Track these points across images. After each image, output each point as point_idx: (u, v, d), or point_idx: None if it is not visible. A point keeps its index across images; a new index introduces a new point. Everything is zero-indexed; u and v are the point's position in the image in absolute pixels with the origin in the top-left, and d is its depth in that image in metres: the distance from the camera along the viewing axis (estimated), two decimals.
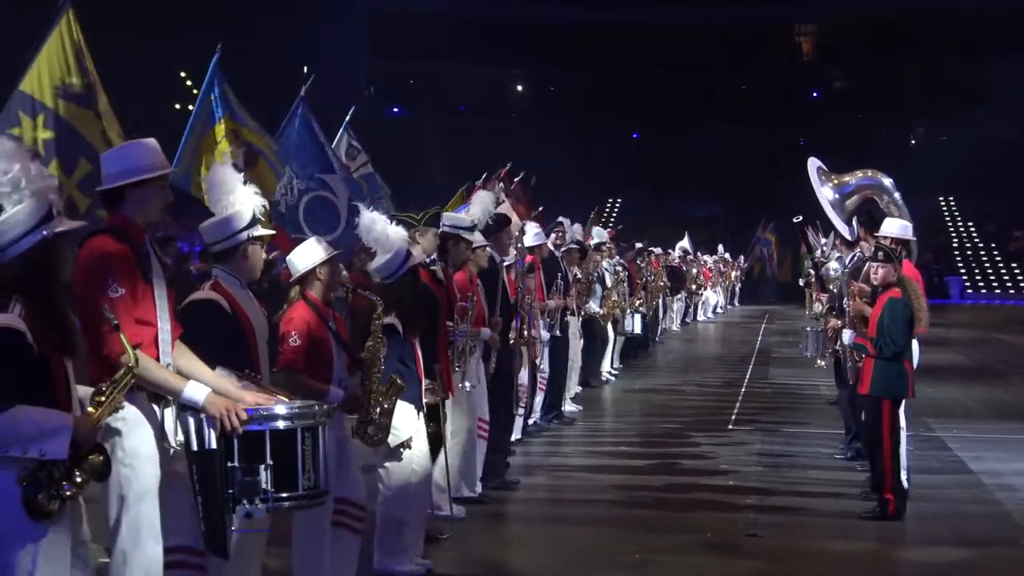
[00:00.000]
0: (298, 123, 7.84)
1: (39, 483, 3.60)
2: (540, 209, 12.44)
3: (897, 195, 9.21)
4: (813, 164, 9.36)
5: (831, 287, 9.51)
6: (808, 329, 10.48)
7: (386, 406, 5.60)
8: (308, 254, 5.55)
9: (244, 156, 7.37)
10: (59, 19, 5.79)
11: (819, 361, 9.80)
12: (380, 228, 6.30)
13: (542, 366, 10.80)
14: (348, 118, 8.58)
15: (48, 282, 3.75)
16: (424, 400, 6.35)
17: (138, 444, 4.24)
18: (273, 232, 5.65)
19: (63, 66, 5.75)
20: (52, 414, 3.65)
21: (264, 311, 5.12)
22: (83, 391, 3.92)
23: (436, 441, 6.55)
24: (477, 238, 7.93)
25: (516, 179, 12.09)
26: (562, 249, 12.09)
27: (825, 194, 9.15)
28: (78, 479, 3.67)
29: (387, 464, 6.16)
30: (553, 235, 11.92)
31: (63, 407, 3.73)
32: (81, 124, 5.91)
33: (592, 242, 13.97)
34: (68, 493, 3.64)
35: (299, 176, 7.61)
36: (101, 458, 3.76)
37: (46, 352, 3.72)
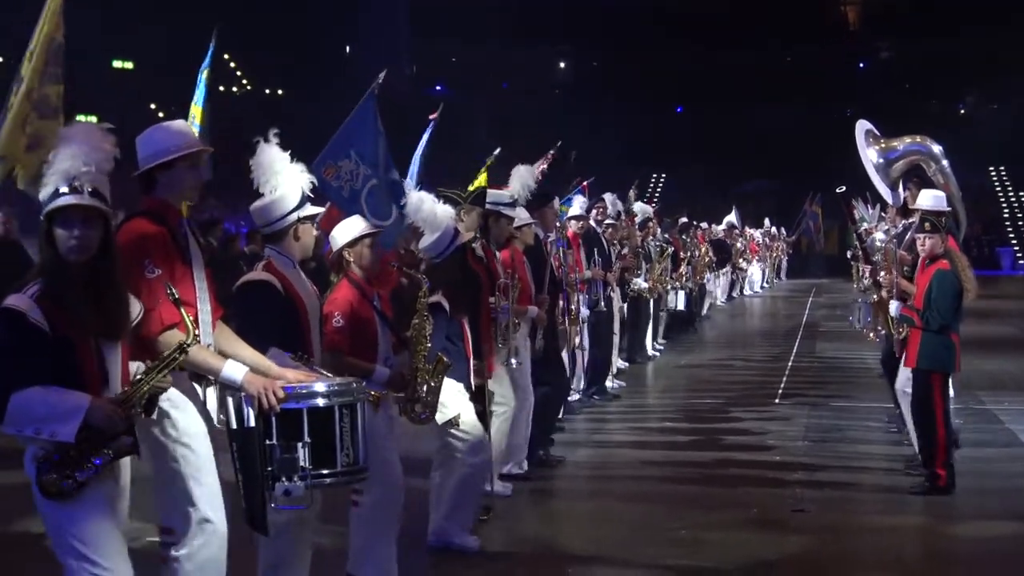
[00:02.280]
0: (366, 114, 7.96)
1: (50, 463, 3.67)
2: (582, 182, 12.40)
3: (945, 163, 9.04)
4: (862, 127, 9.23)
5: (875, 258, 9.39)
6: (859, 301, 10.39)
7: (432, 384, 5.61)
8: (349, 229, 5.57)
9: None
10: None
11: (870, 334, 9.68)
12: (428, 207, 6.31)
13: (583, 343, 10.76)
14: (433, 121, 8.70)
15: (57, 261, 3.77)
16: (471, 380, 6.38)
17: (190, 422, 4.29)
18: (323, 210, 5.65)
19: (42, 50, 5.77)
20: (68, 396, 3.67)
21: (316, 290, 5.14)
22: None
23: (481, 422, 6.55)
24: (521, 214, 7.91)
25: (553, 155, 12.07)
26: (604, 223, 12.07)
27: (870, 156, 9.03)
28: (96, 461, 3.70)
29: (463, 435, 6.18)
30: (594, 211, 11.88)
31: (91, 388, 3.75)
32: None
33: (637, 218, 13.92)
34: (81, 478, 3.67)
35: (364, 165, 7.68)
36: (129, 440, 3.78)
37: (67, 333, 3.73)
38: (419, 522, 6.27)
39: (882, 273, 8.34)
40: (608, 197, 12.74)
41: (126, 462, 3.95)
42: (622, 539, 6.75)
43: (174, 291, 4.06)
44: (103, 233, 3.83)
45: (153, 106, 32.57)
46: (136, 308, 4.04)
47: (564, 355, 9.51)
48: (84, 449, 3.68)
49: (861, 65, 53.36)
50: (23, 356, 3.68)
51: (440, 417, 5.97)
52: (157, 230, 4.30)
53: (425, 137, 8.11)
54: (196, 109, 7.76)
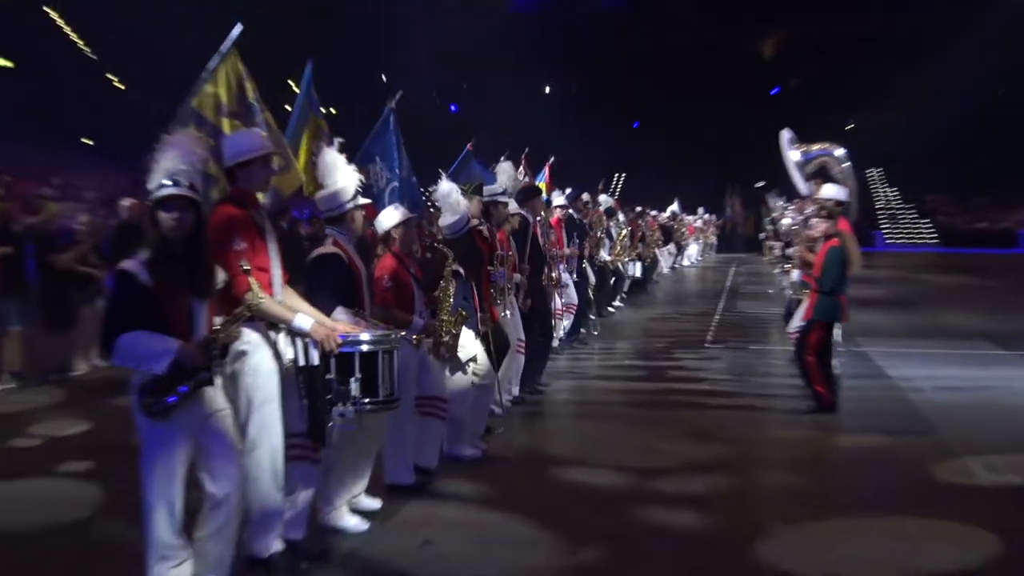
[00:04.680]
0: (385, 130, 7.89)
1: (146, 390, 3.68)
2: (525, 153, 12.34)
3: (847, 164, 9.03)
4: (786, 134, 9.22)
5: (784, 238, 9.41)
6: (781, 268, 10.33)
7: (454, 332, 5.64)
8: (390, 217, 5.62)
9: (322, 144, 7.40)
10: (226, 54, 5.72)
11: (787, 292, 9.67)
12: (454, 197, 6.36)
13: (564, 301, 10.76)
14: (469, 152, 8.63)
15: (160, 237, 3.74)
16: (479, 328, 6.40)
17: (260, 361, 4.24)
18: (369, 201, 5.67)
19: (225, 92, 5.67)
20: (162, 340, 3.66)
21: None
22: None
23: (489, 359, 6.56)
24: (510, 206, 7.90)
25: (550, 165, 12.04)
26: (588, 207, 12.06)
27: (793, 156, 9.03)
28: (182, 389, 3.69)
29: (448, 375, 6.18)
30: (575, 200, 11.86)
31: (180, 334, 3.72)
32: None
33: (601, 207, 13.93)
34: (169, 401, 3.67)
35: (386, 170, 7.68)
36: (207, 375, 3.77)
37: (165, 291, 3.70)
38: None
39: (793, 248, 8.37)
40: (603, 197, 12.75)
41: (220, 393, 3.95)
42: (592, 447, 6.79)
43: (245, 263, 4.01)
44: (195, 216, 3.81)
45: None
46: (221, 275, 4.00)
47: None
48: (172, 380, 3.67)
49: (773, 91, 53.16)
50: (131, 307, 3.67)
51: (463, 355, 5.99)
52: (241, 213, 4.26)
53: (390, 123, 7.97)
54: (321, 122, 7.54)
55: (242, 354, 4.19)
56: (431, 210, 6.86)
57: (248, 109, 5.84)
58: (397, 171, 7.66)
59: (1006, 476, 5.88)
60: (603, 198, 14.63)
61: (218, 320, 3.93)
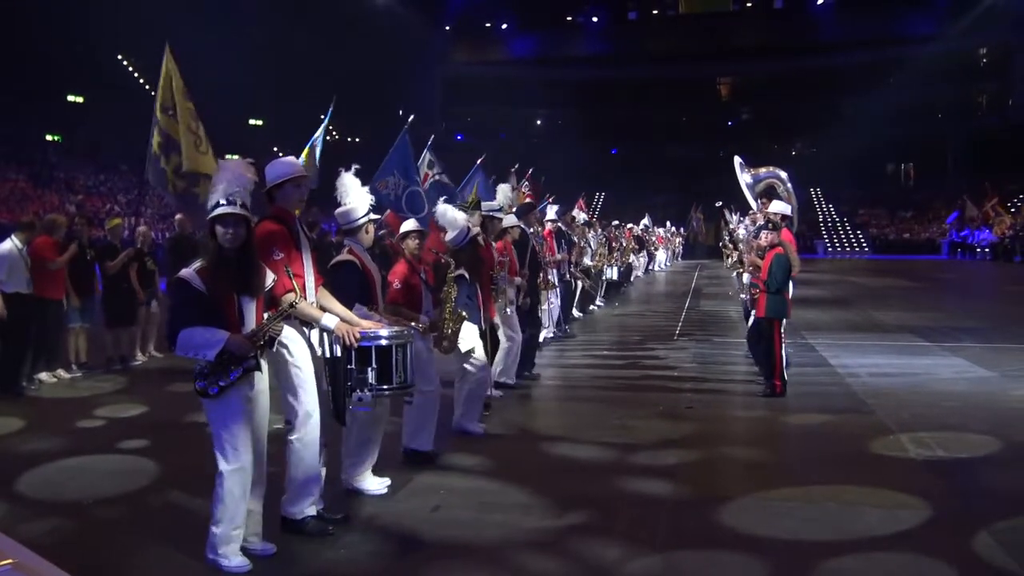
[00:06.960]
0: (402, 146, 7.93)
1: (202, 375, 3.67)
2: (550, 198, 12.37)
3: (789, 185, 9.09)
4: (738, 160, 9.25)
5: (740, 246, 9.38)
6: (734, 275, 10.32)
7: (456, 328, 5.58)
8: (406, 225, 5.62)
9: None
10: (164, 56, 5.66)
11: (741, 295, 9.66)
12: (450, 215, 6.29)
13: (557, 299, 10.73)
14: (430, 142, 8.63)
15: (217, 248, 3.74)
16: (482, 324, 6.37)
17: (299, 353, 4.22)
18: (379, 217, 5.61)
19: (166, 91, 5.62)
20: (215, 332, 3.65)
21: (377, 266, 5.11)
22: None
23: (485, 352, 6.53)
24: (510, 219, 7.84)
25: (529, 176, 12.08)
26: (575, 222, 12.03)
27: (744, 179, 9.07)
28: (232, 375, 3.69)
29: (469, 363, 6.14)
30: (563, 215, 11.81)
31: (231, 327, 3.73)
32: (170, 128, 5.82)
33: (580, 221, 13.95)
34: (222, 384, 3.67)
35: (403, 178, 7.67)
36: (254, 361, 3.76)
37: (219, 292, 3.70)
38: (445, 415, 6.24)
39: (745, 255, 8.35)
40: (577, 212, 12.69)
41: (264, 375, 3.92)
42: (577, 425, 6.73)
43: (289, 268, 4.02)
44: (246, 231, 3.82)
45: (276, 148, 32.42)
46: (270, 278, 4.01)
47: (544, 307, 9.49)
48: (225, 365, 3.68)
49: (730, 123, 53.27)
50: (188, 307, 3.68)
51: (463, 347, 5.94)
52: (279, 228, 4.24)
53: (405, 140, 8.06)
54: (306, 151, 7.64)
55: (283, 347, 4.18)
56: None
57: (174, 105, 5.77)
58: (415, 178, 7.67)
59: (933, 450, 5.82)
60: (580, 215, 14.64)
61: (266, 315, 3.92)
